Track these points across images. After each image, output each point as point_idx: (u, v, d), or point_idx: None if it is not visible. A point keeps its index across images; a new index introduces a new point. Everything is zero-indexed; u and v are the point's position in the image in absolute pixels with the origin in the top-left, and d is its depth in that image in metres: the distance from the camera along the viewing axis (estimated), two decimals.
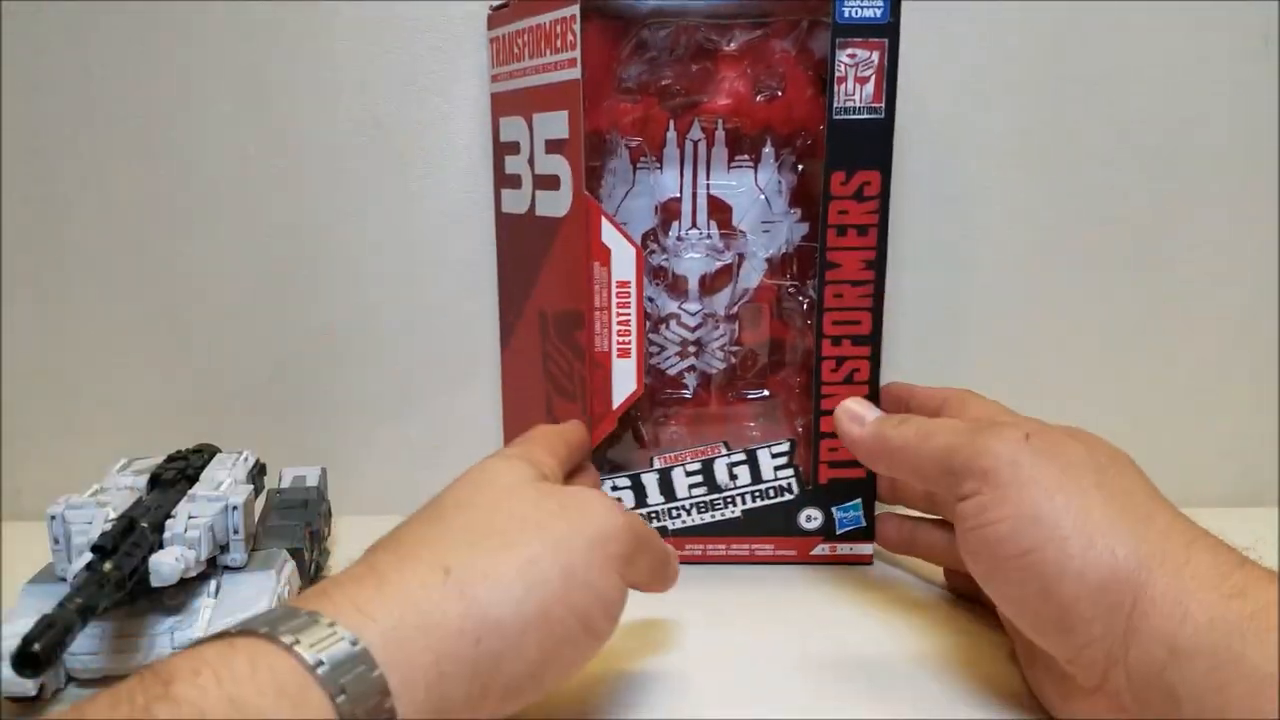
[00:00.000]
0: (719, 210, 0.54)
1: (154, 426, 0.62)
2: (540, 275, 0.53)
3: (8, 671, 0.34)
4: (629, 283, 0.50)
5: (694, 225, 0.54)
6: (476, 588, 0.30)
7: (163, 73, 0.59)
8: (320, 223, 0.61)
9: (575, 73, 0.48)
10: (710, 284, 0.54)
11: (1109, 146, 0.60)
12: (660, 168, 0.53)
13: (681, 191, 0.54)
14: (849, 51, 0.48)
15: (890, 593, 0.50)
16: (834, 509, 0.52)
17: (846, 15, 0.47)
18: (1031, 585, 0.35)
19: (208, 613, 0.41)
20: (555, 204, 0.51)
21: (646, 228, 0.53)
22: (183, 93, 0.59)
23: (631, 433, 0.54)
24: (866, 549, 0.52)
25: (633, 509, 0.52)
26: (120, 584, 0.36)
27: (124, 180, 0.60)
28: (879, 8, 0.47)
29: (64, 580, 0.41)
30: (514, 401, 0.59)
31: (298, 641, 0.27)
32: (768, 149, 0.53)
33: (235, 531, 0.43)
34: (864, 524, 0.52)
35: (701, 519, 0.52)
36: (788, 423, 0.54)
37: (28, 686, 0.39)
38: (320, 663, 0.26)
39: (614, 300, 0.50)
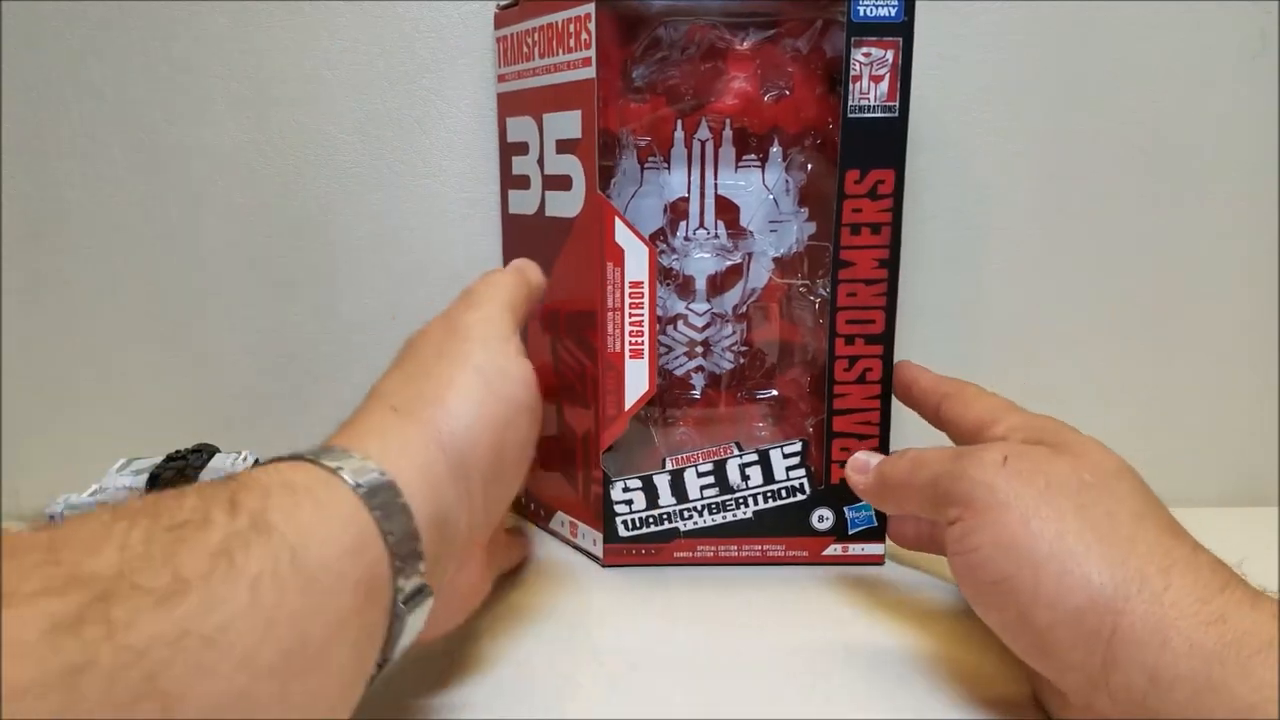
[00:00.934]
0: (726, 210, 0.54)
1: (154, 426, 0.62)
2: (551, 275, 0.53)
3: None
4: (642, 283, 0.50)
5: (701, 225, 0.54)
6: (422, 413, 0.36)
7: (163, 72, 0.59)
8: (321, 222, 0.61)
9: (589, 72, 0.48)
10: (718, 284, 0.54)
11: (1116, 146, 0.61)
12: (668, 167, 0.52)
13: (689, 191, 0.53)
14: (864, 50, 0.48)
15: (900, 593, 0.50)
16: (846, 509, 0.52)
17: (861, 14, 0.47)
18: (1010, 611, 0.35)
19: None
20: (567, 204, 0.51)
21: (655, 228, 0.53)
22: (183, 92, 0.59)
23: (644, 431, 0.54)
24: (878, 549, 0.52)
25: (644, 510, 0.51)
26: None
27: (124, 180, 0.60)
28: (894, 6, 0.47)
29: None
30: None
31: (341, 467, 0.31)
32: (775, 148, 0.53)
33: None
34: (875, 524, 0.52)
35: (713, 520, 0.52)
36: (797, 422, 0.54)
37: None
38: (360, 485, 0.31)
39: (627, 301, 0.50)
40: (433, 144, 0.60)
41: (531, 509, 0.58)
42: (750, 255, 0.54)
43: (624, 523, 0.52)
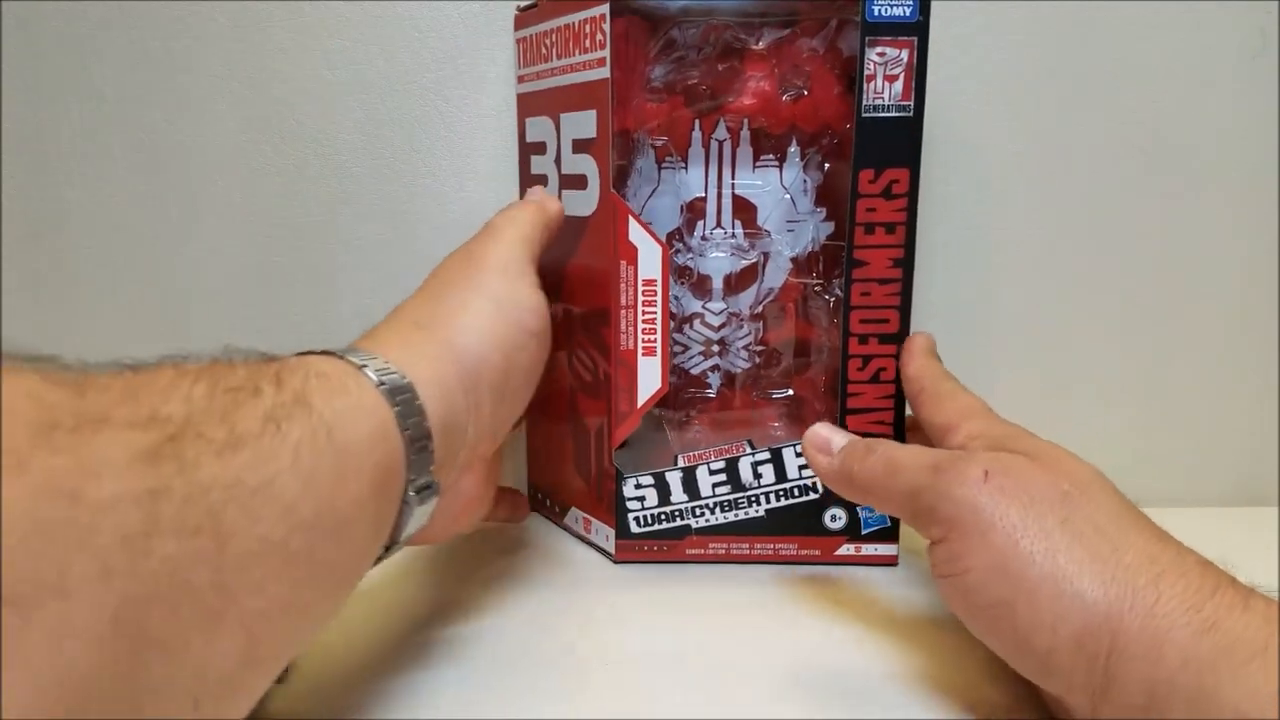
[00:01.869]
0: (743, 210, 0.54)
1: None
2: (566, 273, 0.53)
3: None
4: (655, 281, 0.50)
5: (719, 225, 0.54)
6: (440, 329, 0.40)
7: (163, 72, 0.59)
8: (321, 222, 0.61)
9: (604, 72, 0.48)
10: (735, 283, 0.54)
11: (1116, 146, 0.60)
12: (685, 167, 0.53)
13: (706, 191, 0.54)
14: (878, 50, 0.48)
15: (913, 594, 0.49)
16: (859, 509, 0.52)
17: (876, 14, 0.47)
18: (1006, 635, 0.35)
19: None
20: (582, 203, 0.51)
21: (671, 227, 0.53)
22: (183, 92, 0.59)
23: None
24: (891, 550, 0.52)
25: (656, 507, 0.52)
26: None
27: (124, 180, 0.60)
28: (908, 6, 0.47)
29: None
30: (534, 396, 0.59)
31: (366, 365, 0.35)
32: (793, 148, 0.53)
33: None
34: (889, 523, 0.52)
35: (725, 518, 0.52)
36: (813, 422, 0.54)
37: None
38: (383, 383, 0.34)
39: (640, 298, 0.50)
40: (433, 143, 0.60)
41: (545, 504, 0.58)
42: (767, 255, 0.54)
43: (636, 519, 0.52)
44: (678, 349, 0.54)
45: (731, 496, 0.52)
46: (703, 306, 0.54)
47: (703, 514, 0.52)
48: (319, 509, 0.29)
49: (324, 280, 0.62)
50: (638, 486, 0.52)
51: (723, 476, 0.51)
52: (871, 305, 0.50)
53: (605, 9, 0.47)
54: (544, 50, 0.53)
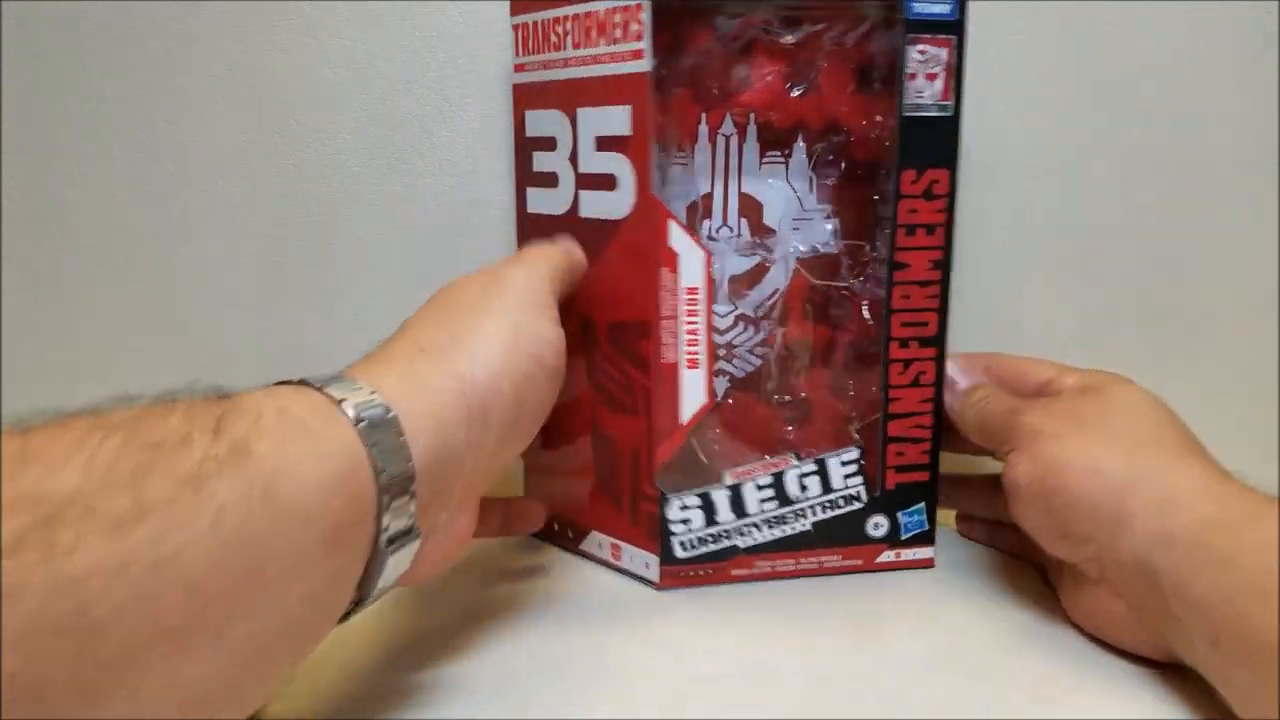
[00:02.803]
0: (750, 208, 0.52)
1: None
2: (587, 280, 0.50)
3: None
4: (697, 289, 0.47)
5: (725, 223, 0.52)
6: (450, 355, 0.37)
7: (163, 72, 0.59)
8: (321, 222, 0.60)
9: (641, 65, 0.45)
10: (741, 284, 0.52)
11: (1116, 145, 0.61)
12: (692, 163, 0.50)
13: (713, 188, 0.51)
14: (919, 48, 0.47)
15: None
16: (900, 514, 0.51)
17: (916, 11, 0.46)
18: (1039, 507, 0.43)
19: None
20: (610, 205, 0.47)
21: None
22: (183, 92, 0.59)
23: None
24: (928, 553, 0.51)
25: (703, 529, 0.49)
26: None
27: (124, 180, 0.60)
28: (949, 4, 0.46)
29: None
30: None
31: (345, 399, 0.31)
32: (799, 144, 0.52)
33: None
34: (927, 527, 0.51)
35: (772, 534, 0.50)
36: (823, 425, 0.52)
37: None
38: (361, 420, 0.31)
39: (682, 307, 0.47)
40: (434, 143, 0.60)
41: (556, 530, 0.54)
42: (773, 254, 0.52)
43: (681, 543, 0.49)
44: None
45: (779, 512, 0.49)
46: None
47: (749, 532, 0.49)
48: (243, 577, 0.26)
49: (324, 280, 0.61)
50: (683, 508, 0.49)
51: (770, 492, 0.49)
52: (912, 308, 0.49)
53: None
54: (554, 39, 0.49)
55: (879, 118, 0.50)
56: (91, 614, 0.22)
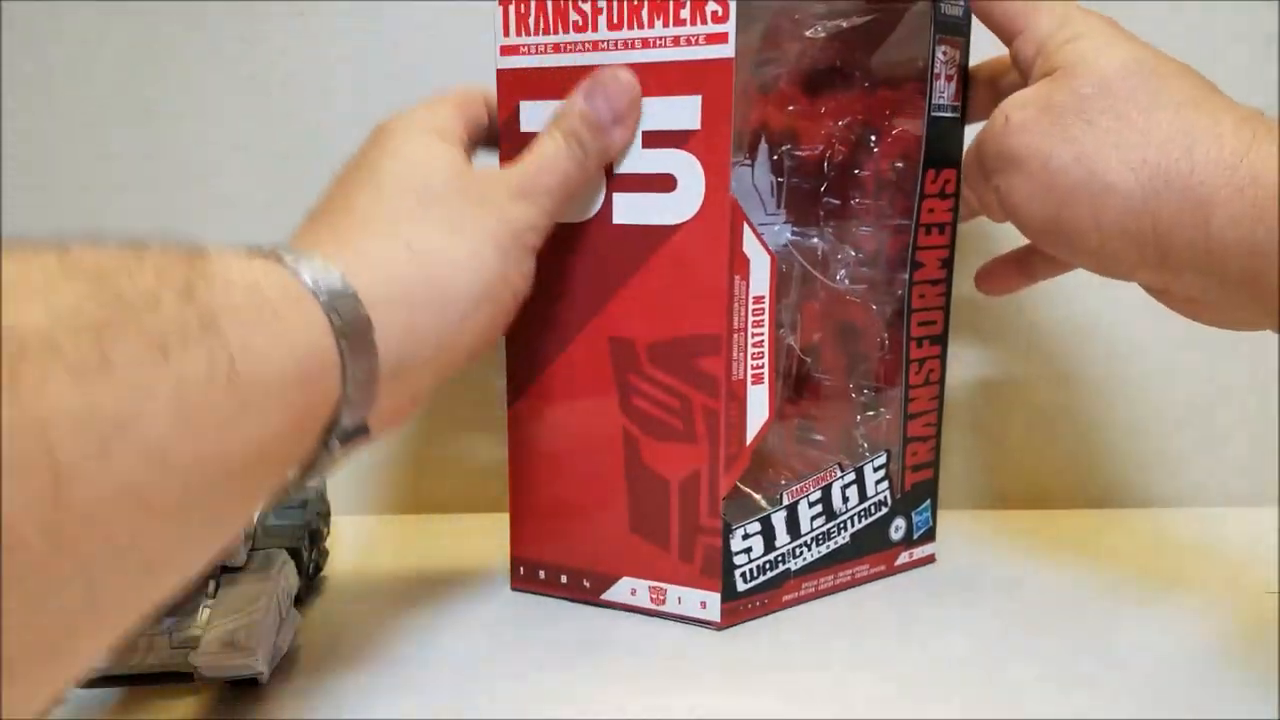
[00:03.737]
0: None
1: None
2: (620, 294, 0.44)
3: None
4: (764, 297, 0.43)
5: None
6: (439, 268, 0.36)
7: (163, 71, 0.59)
8: None
9: (723, 50, 0.40)
10: None
11: None
12: None
13: None
14: (943, 49, 0.47)
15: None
16: (913, 514, 0.51)
17: (944, 11, 0.46)
18: (1064, 245, 0.39)
19: (206, 613, 0.39)
20: (666, 209, 0.42)
21: None
22: (183, 91, 0.59)
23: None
24: (929, 549, 0.52)
25: (762, 556, 0.45)
26: None
27: (124, 180, 0.60)
28: (961, 6, 0.47)
29: None
30: (551, 434, 0.47)
31: (318, 283, 0.30)
32: (763, 145, 0.50)
33: None
34: (932, 524, 0.52)
35: (820, 551, 0.47)
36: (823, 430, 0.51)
37: None
38: (335, 313, 0.30)
39: (750, 318, 0.43)
40: None
41: (564, 582, 0.47)
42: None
43: (743, 575, 0.45)
44: None
45: (826, 528, 0.47)
46: None
47: (801, 553, 0.47)
48: (200, 456, 0.25)
49: None
50: (745, 537, 0.45)
51: (819, 508, 0.47)
52: (926, 307, 0.49)
53: None
54: (575, 18, 0.42)
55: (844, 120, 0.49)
56: (58, 458, 0.21)
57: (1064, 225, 0.38)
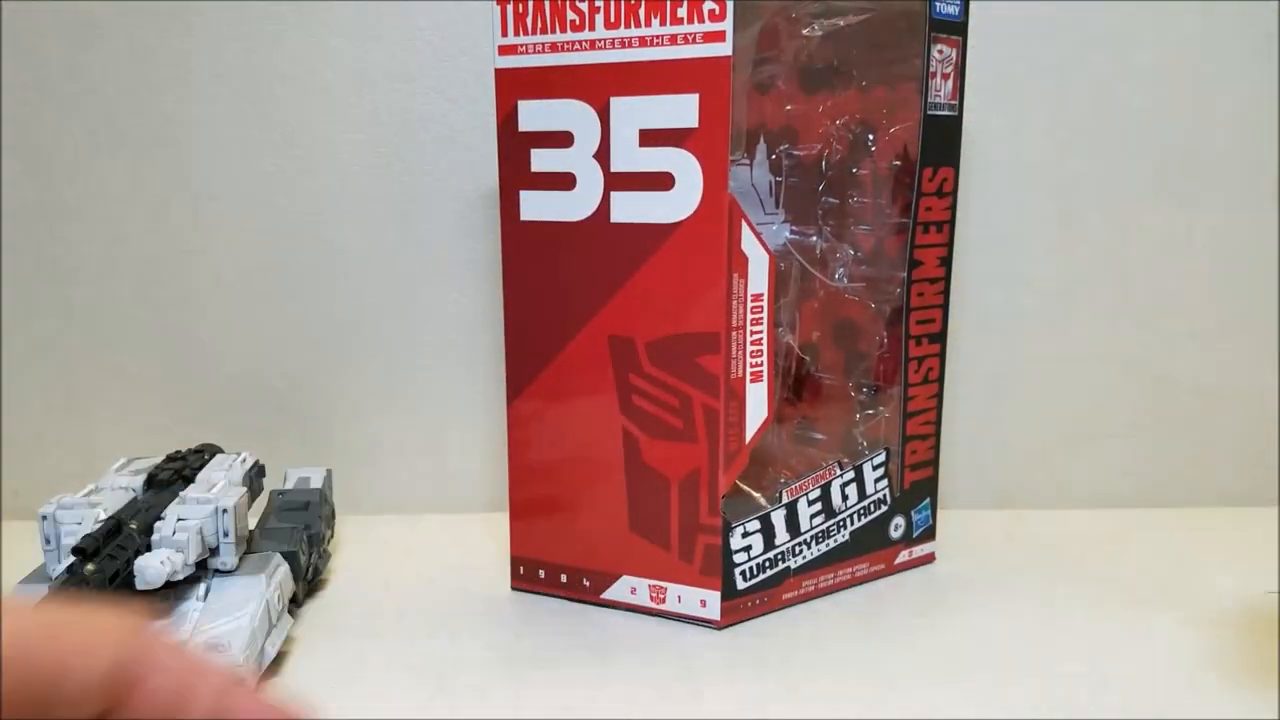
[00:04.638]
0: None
1: (154, 426, 0.61)
2: (619, 293, 0.44)
3: None
4: (762, 295, 0.44)
5: None
6: None
7: (163, 72, 0.58)
8: (321, 222, 0.59)
9: (720, 48, 0.40)
10: None
11: (1116, 145, 0.61)
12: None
13: None
14: (939, 48, 0.47)
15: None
16: (912, 512, 0.51)
17: (939, 10, 0.46)
18: None
19: (195, 615, 0.39)
20: (664, 207, 0.42)
21: None
22: (182, 92, 0.58)
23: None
24: (929, 548, 0.52)
25: (761, 554, 0.45)
26: (102, 587, 0.36)
27: (124, 180, 0.59)
28: (957, 5, 0.47)
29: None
30: (548, 433, 0.47)
31: None
32: (761, 144, 0.50)
33: (225, 534, 0.41)
34: (931, 523, 0.52)
35: (818, 550, 0.47)
36: (823, 434, 0.51)
37: None
38: None
39: (749, 316, 0.43)
40: (435, 142, 0.59)
41: (564, 581, 0.47)
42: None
43: (743, 573, 0.45)
44: None
45: (825, 525, 0.47)
46: None
47: (801, 551, 0.47)
48: None
49: (324, 280, 0.60)
50: (745, 535, 0.45)
51: (819, 506, 0.47)
52: (925, 305, 0.49)
53: None
54: (573, 17, 0.42)
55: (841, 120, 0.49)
56: None
57: None
